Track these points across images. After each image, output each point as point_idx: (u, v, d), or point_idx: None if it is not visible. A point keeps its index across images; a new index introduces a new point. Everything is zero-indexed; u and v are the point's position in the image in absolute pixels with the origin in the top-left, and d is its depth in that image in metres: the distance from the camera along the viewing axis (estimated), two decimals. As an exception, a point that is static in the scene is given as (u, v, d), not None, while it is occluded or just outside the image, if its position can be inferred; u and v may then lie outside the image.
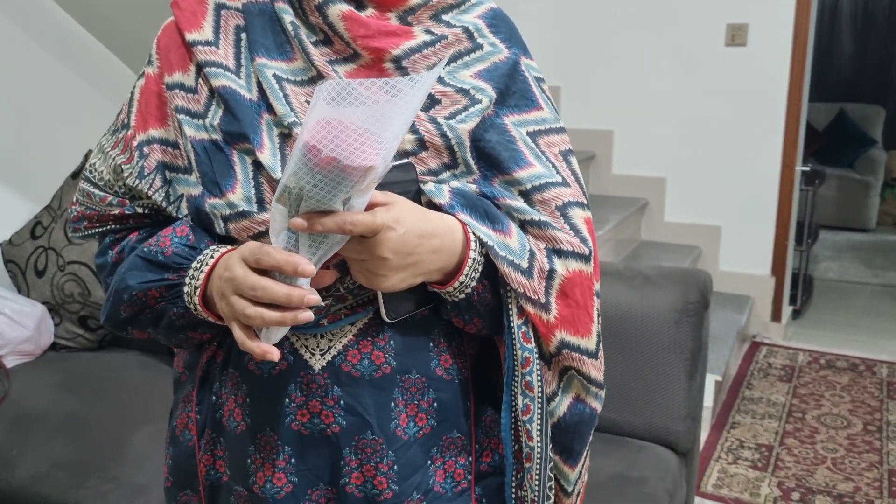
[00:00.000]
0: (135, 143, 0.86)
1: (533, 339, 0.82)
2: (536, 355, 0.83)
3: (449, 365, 0.86)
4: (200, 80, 0.84)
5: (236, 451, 0.86)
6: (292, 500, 0.84)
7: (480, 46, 0.86)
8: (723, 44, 3.53)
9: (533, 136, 0.86)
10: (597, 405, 0.89)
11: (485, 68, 0.85)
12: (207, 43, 0.84)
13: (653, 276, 1.81)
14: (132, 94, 0.90)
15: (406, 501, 0.83)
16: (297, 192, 0.67)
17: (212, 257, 0.80)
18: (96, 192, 0.89)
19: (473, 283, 0.80)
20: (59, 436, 1.84)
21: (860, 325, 3.92)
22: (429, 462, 0.85)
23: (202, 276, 0.79)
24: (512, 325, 0.82)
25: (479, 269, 0.80)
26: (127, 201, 0.88)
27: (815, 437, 2.80)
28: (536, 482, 0.85)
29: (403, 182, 0.79)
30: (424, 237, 0.75)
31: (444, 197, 0.79)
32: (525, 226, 0.83)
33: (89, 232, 0.91)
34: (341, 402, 0.82)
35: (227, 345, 0.87)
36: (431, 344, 0.85)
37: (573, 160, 0.90)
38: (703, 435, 2.80)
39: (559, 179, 0.85)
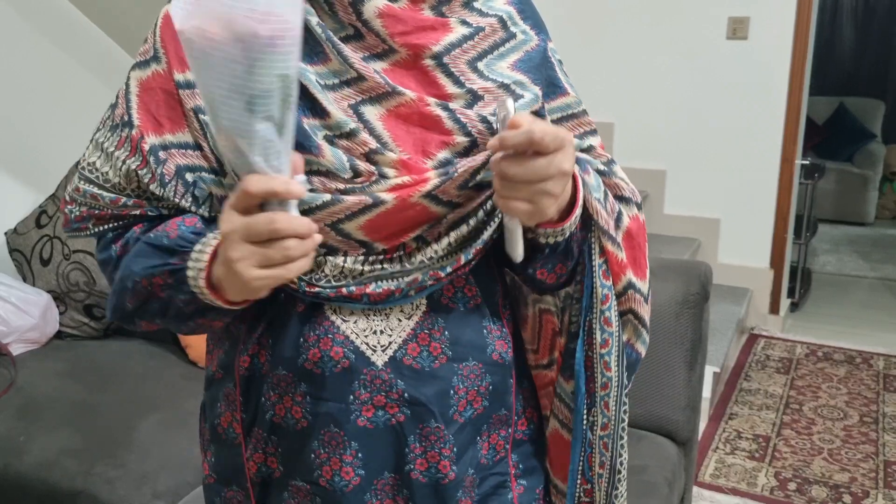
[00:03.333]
0: (146, 147, 0.81)
1: (610, 277, 0.86)
2: (613, 293, 0.87)
3: (503, 349, 0.88)
4: None
5: (295, 448, 0.86)
6: (360, 491, 0.84)
7: (514, 35, 0.85)
8: (724, 37, 3.54)
9: (559, 121, 0.88)
10: (642, 351, 0.93)
11: (520, 58, 0.84)
12: None
13: (653, 267, 1.81)
14: (127, 86, 0.84)
15: (465, 478, 0.86)
16: (210, 107, 0.65)
17: (215, 238, 0.76)
18: (104, 193, 0.84)
19: (577, 224, 0.81)
20: (65, 423, 1.86)
21: (857, 318, 3.95)
22: (478, 438, 0.88)
23: (206, 256, 0.76)
24: (593, 262, 0.85)
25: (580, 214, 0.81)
26: (145, 203, 0.83)
27: (812, 428, 2.83)
28: (613, 407, 0.89)
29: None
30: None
31: None
32: (598, 173, 0.86)
33: (99, 229, 0.86)
34: (405, 394, 0.83)
35: (272, 346, 0.85)
36: (485, 331, 0.87)
37: (593, 138, 0.92)
38: (701, 426, 2.82)
39: (593, 145, 0.91)
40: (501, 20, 0.84)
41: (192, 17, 0.61)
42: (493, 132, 0.78)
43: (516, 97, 0.82)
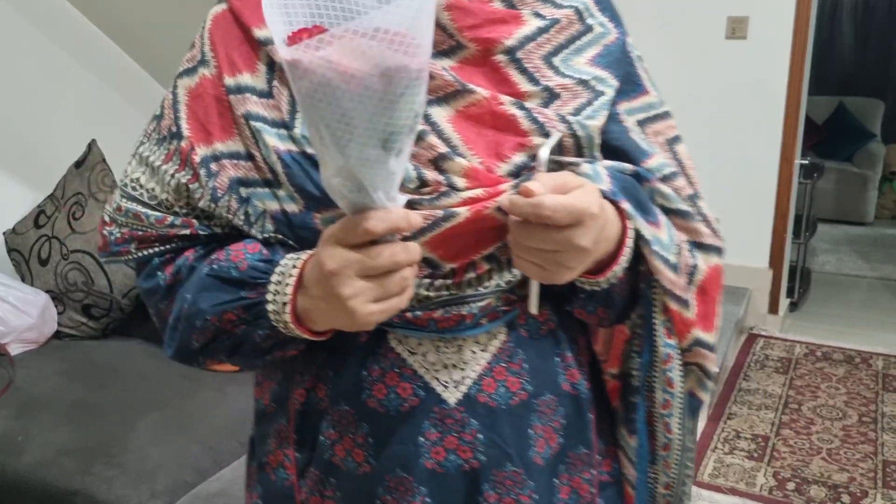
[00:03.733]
0: (196, 159, 0.74)
1: (675, 336, 0.79)
2: (677, 352, 0.79)
3: (575, 379, 0.81)
4: (276, 83, 0.73)
5: (357, 493, 0.78)
6: None
7: (591, 28, 0.77)
8: (723, 37, 3.54)
9: (642, 123, 0.79)
10: (705, 397, 0.85)
11: (598, 53, 0.77)
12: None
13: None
14: (175, 95, 0.78)
15: None
16: (330, 144, 0.58)
17: (294, 266, 0.69)
18: (148, 212, 0.76)
19: (621, 274, 0.73)
20: (64, 423, 1.87)
21: (857, 318, 3.95)
22: (555, 480, 0.80)
23: (289, 288, 0.68)
24: (655, 321, 0.78)
25: (629, 259, 0.74)
26: (194, 221, 0.76)
27: (811, 428, 2.83)
28: (675, 470, 0.84)
29: (552, 164, 0.70)
30: (609, 223, 0.69)
31: (604, 182, 0.71)
32: (668, 214, 0.77)
33: (140, 254, 0.78)
34: (479, 435, 0.75)
35: (331, 378, 0.77)
36: (558, 359, 0.80)
37: (679, 148, 0.83)
38: (700, 425, 2.82)
39: (676, 170, 0.80)
40: (578, 11, 0.77)
41: (315, 48, 0.54)
42: (573, 133, 0.73)
43: (597, 94, 0.75)
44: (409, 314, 0.72)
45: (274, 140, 0.72)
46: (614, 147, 0.76)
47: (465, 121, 0.72)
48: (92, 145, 2.46)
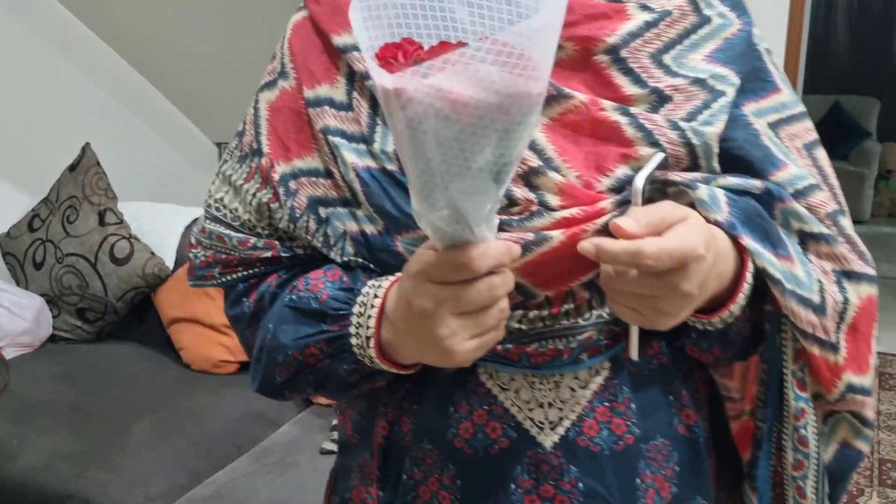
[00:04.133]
0: (276, 177, 0.70)
1: (810, 388, 0.68)
2: (811, 405, 0.68)
3: (691, 421, 0.72)
4: (356, 94, 0.68)
5: None
6: None
7: (709, 20, 0.67)
8: (717, 36, 3.54)
9: (774, 126, 0.69)
10: (865, 447, 0.73)
11: (718, 48, 0.66)
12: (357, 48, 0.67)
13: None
14: (256, 110, 0.74)
15: None
16: (433, 178, 0.51)
17: (376, 296, 0.64)
18: (232, 234, 0.72)
19: (738, 312, 0.64)
20: (58, 426, 1.86)
21: (853, 316, 3.94)
22: None
23: (372, 321, 0.63)
24: (786, 370, 0.67)
25: (748, 294, 0.64)
26: (276, 242, 0.71)
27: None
28: None
29: (649, 191, 0.61)
30: (720, 258, 0.60)
31: (721, 211, 0.62)
32: (806, 239, 0.66)
33: (225, 279, 0.74)
34: (580, 484, 0.67)
35: (415, 411, 0.71)
36: (672, 397, 0.71)
37: (819, 154, 0.72)
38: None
39: (814, 182, 0.68)
40: (692, 1, 0.67)
41: (423, 75, 0.47)
42: (686, 142, 0.63)
43: (715, 95, 0.65)
44: (499, 347, 0.64)
45: (352, 156, 0.66)
46: (736, 156, 0.65)
47: (560, 130, 0.64)
48: (86, 148, 2.45)
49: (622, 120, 0.63)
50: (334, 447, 1.83)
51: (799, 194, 0.67)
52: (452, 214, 0.53)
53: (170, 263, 2.33)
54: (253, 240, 0.72)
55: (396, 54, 0.51)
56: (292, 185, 0.69)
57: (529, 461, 0.67)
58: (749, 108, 0.67)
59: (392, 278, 0.64)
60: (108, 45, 2.72)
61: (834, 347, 0.65)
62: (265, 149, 0.71)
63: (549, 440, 0.67)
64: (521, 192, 0.62)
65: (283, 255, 0.71)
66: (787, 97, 0.71)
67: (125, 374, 2.15)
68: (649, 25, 0.65)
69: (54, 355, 2.28)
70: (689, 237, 0.56)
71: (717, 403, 0.77)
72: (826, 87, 6.25)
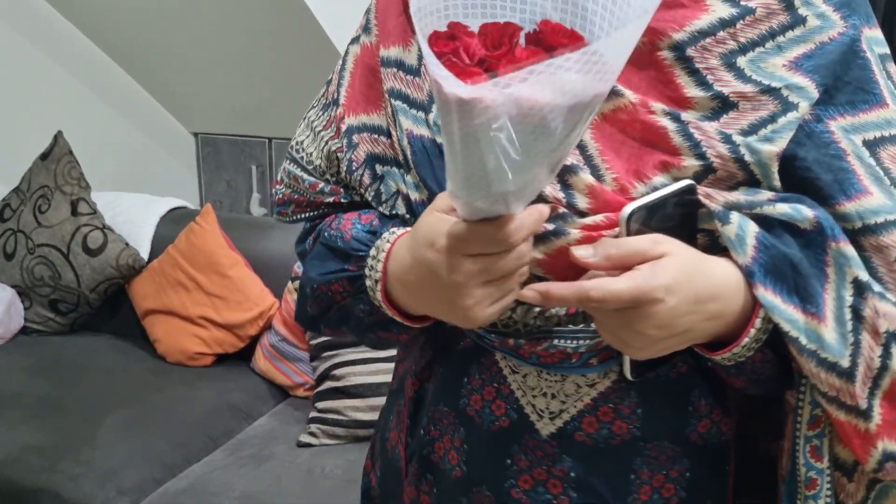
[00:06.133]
0: (343, 128, 0.73)
1: (825, 456, 0.62)
2: (827, 476, 0.62)
3: (708, 430, 0.68)
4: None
5: (449, 496, 0.74)
6: None
7: (803, 20, 0.60)
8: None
9: (873, 145, 0.60)
10: None
11: (806, 53, 0.59)
12: None
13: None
14: (343, 61, 0.77)
15: None
16: (486, 176, 0.50)
17: (388, 241, 0.66)
18: (305, 176, 0.77)
19: (750, 354, 0.60)
20: (29, 420, 1.83)
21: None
22: None
23: (380, 265, 0.65)
24: (798, 433, 0.62)
25: (763, 339, 0.59)
26: (341, 190, 0.75)
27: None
28: None
29: (675, 214, 0.58)
30: (702, 303, 0.56)
31: (745, 255, 0.57)
32: (862, 289, 0.58)
33: (297, 217, 0.79)
34: (571, 473, 0.67)
35: (439, 375, 0.74)
36: (691, 408, 0.68)
37: None
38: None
39: None
40: None
41: (504, 86, 0.44)
42: (738, 158, 0.58)
43: (786, 108, 0.58)
44: (512, 342, 0.66)
45: (409, 122, 0.67)
46: (803, 178, 0.59)
47: (610, 128, 0.61)
48: (58, 137, 2.41)
49: (670, 126, 0.59)
50: (311, 440, 1.83)
51: (869, 230, 0.58)
52: (497, 199, 0.52)
53: (144, 254, 2.30)
54: (321, 184, 0.76)
55: (456, 49, 0.50)
56: (355, 138, 0.72)
57: (526, 444, 0.68)
58: (838, 124, 0.59)
59: (405, 230, 0.66)
60: (81, 32, 2.68)
61: (864, 414, 0.58)
62: (342, 100, 0.75)
63: (546, 429, 0.68)
64: (551, 190, 0.60)
65: (343, 201, 0.75)
66: (895, 114, 0.62)
67: (98, 367, 2.12)
68: (724, 24, 0.59)
69: (26, 347, 2.24)
70: (650, 280, 0.54)
71: (754, 408, 0.73)
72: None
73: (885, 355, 0.58)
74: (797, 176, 0.59)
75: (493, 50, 0.51)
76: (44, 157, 2.41)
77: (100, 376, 2.06)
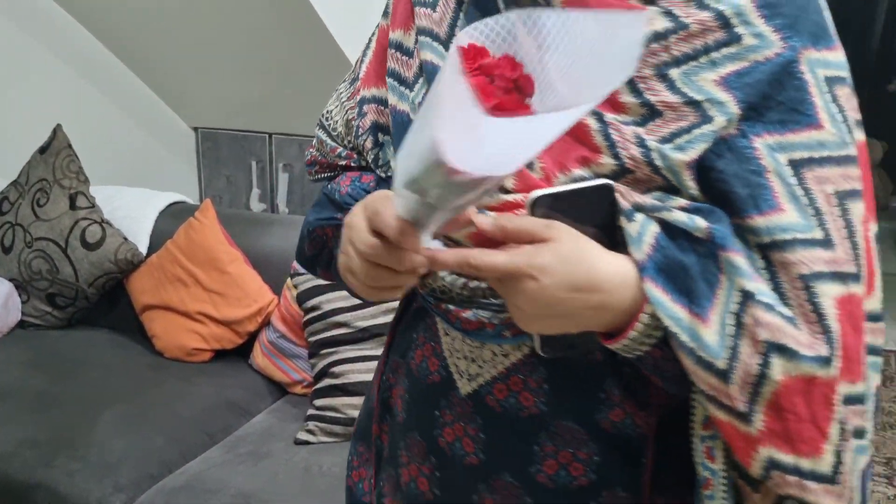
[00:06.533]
0: (358, 97, 0.83)
1: (720, 458, 0.64)
2: (722, 478, 0.64)
3: (621, 420, 0.71)
4: (417, 46, 0.75)
5: (394, 438, 0.85)
6: None
7: (738, 39, 0.61)
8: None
9: (798, 165, 0.61)
10: None
11: (738, 70, 0.61)
12: (425, 3, 0.74)
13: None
14: (369, 41, 0.86)
15: None
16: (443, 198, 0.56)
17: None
18: (329, 141, 0.88)
19: (645, 349, 0.63)
20: (26, 414, 1.82)
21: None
22: None
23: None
24: (694, 433, 0.65)
25: (658, 336, 0.62)
26: (355, 154, 0.85)
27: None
28: None
29: (589, 209, 0.63)
30: (580, 291, 0.59)
31: (641, 251, 0.61)
32: (748, 299, 0.59)
33: (319, 177, 0.91)
34: (481, 434, 0.74)
35: (399, 329, 0.86)
36: (603, 395, 0.71)
37: (854, 206, 0.62)
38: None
39: (819, 236, 0.60)
40: (722, 17, 0.61)
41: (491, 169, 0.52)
42: (649, 162, 0.62)
43: (703, 120, 0.61)
44: (444, 306, 0.74)
45: (394, 97, 0.76)
46: (717, 190, 0.62)
47: None
48: (57, 130, 2.40)
49: (593, 125, 0.64)
50: (309, 437, 1.82)
51: (777, 246, 0.60)
52: (426, 212, 0.58)
53: (143, 249, 2.29)
54: (340, 149, 0.86)
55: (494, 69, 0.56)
56: (365, 108, 0.82)
57: (450, 400, 0.76)
58: (764, 141, 0.61)
59: (378, 193, 0.69)
60: (81, 25, 2.67)
61: (743, 417, 0.60)
62: (361, 74, 0.84)
63: (464, 388, 0.75)
64: None
65: (353, 165, 0.85)
66: (829, 136, 0.62)
67: (96, 362, 2.11)
68: (658, 36, 0.62)
69: (23, 341, 2.23)
70: (526, 258, 0.59)
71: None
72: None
73: (764, 364, 0.59)
74: (716, 187, 0.62)
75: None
76: (42, 150, 2.39)
77: (97, 371, 2.05)
